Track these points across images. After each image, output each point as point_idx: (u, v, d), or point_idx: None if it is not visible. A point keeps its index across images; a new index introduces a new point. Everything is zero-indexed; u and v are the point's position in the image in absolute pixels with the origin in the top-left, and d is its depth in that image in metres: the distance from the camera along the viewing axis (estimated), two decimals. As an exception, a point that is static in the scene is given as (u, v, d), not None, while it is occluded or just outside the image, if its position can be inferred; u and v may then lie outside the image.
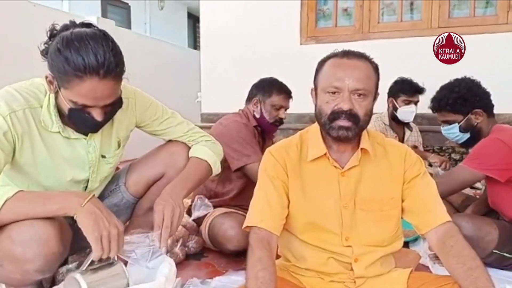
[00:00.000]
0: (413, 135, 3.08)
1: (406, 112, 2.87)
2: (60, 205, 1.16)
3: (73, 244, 1.48)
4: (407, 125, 3.04)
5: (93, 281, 1.14)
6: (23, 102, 1.27)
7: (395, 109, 2.90)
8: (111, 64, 1.18)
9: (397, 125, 3.00)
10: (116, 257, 1.19)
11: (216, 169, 1.63)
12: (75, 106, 1.23)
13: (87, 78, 1.17)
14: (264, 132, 2.38)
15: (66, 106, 1.26)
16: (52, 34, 1.27)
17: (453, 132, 1.97)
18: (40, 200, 1.18)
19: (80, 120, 1.29)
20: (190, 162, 1.57)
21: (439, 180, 1.71)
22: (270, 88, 2.28)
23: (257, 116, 2.29)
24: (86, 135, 1.41)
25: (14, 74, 2.19)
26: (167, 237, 1.32)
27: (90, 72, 1.16)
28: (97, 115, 1.25)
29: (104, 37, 1.21)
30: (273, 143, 2.52)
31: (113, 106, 1.30)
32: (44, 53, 1.28)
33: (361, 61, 1.18)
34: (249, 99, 2.35)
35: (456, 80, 1.98)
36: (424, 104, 2.91)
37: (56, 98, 1.29)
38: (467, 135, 1.95)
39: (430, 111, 3.24)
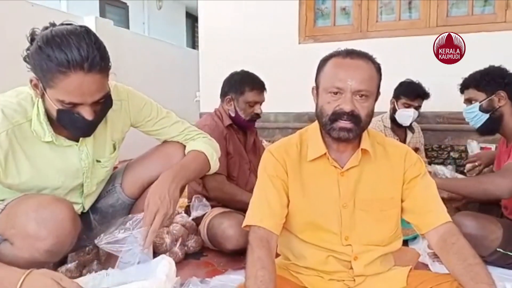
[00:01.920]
0: (415, 137, 3.02)
1: (403, 116, 2.82)
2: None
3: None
4: (409, 127, 2.97)
5: None
6: (6, 123, 1.22)
7: (395, 111, 2.85)
8: (95, 57, 1.15)
9: (398, 127, 2.93)
10: None
11: (214, 162, 1.60)
12: (63, 106, 1.19)
13: (71, 73, 1.13)
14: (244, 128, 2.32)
15: (53, 108, 1.21)
16: (33, 38, 1.23)
17: (472, 111, 1.94)
18: None
19: (70, 122, 1.24)
20: (188, 154, 1.55)
21: (494, 180, 1.72)
22: (242, 86, 2.21)
23: (232, 114, 2.23)
24: (78, 140, 1.38)
25: (11, 73, 2.19)
26: (152, 240, 1.30)
27: (74, 67, 1.13)
28: (87, 114, 1.21)
29: (85, 32, 1.18)
30: (256, 136, 2.46)
31: (103, 105, 1.27)
32: (27, 58, 1.23)
33: (364, 61, 1.16)
34: (222, 96, 2.29)
35: (493, 65, 1.98)
36: (425, 103, 2.90)
37: (43, 102, 1.25)
38: (486, 116, 1.91)
39: (429, 110, 3.26)
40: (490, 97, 1.90)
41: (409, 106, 2.80)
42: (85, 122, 1.23)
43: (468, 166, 2.56)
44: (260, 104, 2.25)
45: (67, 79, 1.14)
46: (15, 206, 1.27)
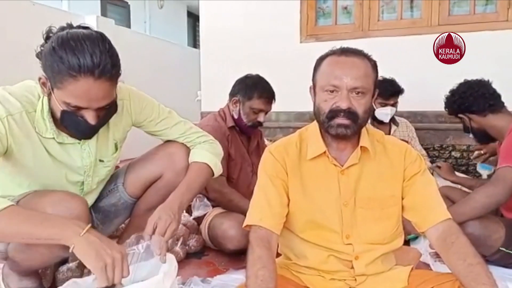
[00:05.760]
0: (400, 130, 3.04)
1: (381, 114, 2.86)
2: (58, 230, 1.10)
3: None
4: (392, 120, 3.00)
5: None
6: (19, 105, 1.25)
7: (373, 109, 2.84)
8: (107, 65, 1.16)
9: (379, 123, 2.94)
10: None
11: (218, 170, 1.61)
12: (68, 108, 1.20)
13: (81, 78, 1.14)
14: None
15: (58, 109, 1.22)
16: (48, 36, 1.24)
17: (465, 133, 2.07)
18: (37, 219, 1.12)
19: (73, 124, 1.25)
20: (191, 168, 1.54)
21: (487, 192, 1.72)
22: (252, 91, 2.17)
23: (235, 116, 2.21)
24: (80, 139, 1.39)
25: (13, 73, 2.19)
26: (161, 245, 1.27)
27: (84, 72, 1.13)
28: (90, 118, 1.22)
29: (101, 38, 1.18)
30: (261, 138, 2.45)
31: (108, 110, 1.27)
32: (40, 55, 1.24)
33: (359, 59, 1.17)
34: (230, 95, 2.26)
35: (462, 83, 2.03)
36: (426, 102, 2.90)
37: (49, 101, 1.26)
38: (472, 135, 2.02)
39: (431, 109, 3.25)
40: (462, 119, 2.02)
41: (385, 105, 2.84)
42: (87, 126, 1.24)
43: (476, 153, 2.59)
44: (265, 114, 2.22)
45: (76, 83, 1.14)
46: (31, 203, 1.27)
